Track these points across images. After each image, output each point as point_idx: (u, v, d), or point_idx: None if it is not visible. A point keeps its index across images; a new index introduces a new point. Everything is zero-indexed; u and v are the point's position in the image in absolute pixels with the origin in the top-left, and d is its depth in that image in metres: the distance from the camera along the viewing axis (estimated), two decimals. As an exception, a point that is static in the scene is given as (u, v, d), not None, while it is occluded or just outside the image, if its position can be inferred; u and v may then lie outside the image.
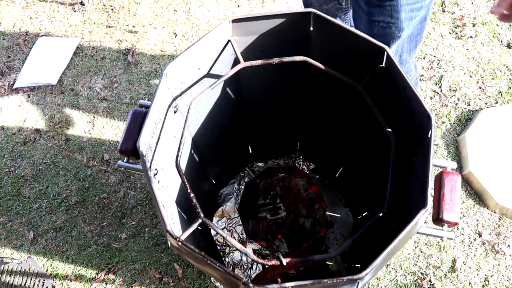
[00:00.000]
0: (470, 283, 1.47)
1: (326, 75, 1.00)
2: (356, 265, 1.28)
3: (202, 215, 0.84)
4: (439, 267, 1.50)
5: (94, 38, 2.09)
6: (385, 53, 0.92)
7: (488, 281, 1.47)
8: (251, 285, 0.70)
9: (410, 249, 1.53)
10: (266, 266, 1.43)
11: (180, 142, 0.93)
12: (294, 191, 1.54)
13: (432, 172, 0.80)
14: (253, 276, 1.46)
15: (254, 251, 1.46)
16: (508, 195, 1.54)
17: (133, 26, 2.11)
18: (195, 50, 0.98)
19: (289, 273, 1.38)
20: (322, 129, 1.37)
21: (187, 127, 0.97)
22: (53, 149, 1.82)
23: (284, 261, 0.83)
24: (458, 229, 1.56)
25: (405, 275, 1.50)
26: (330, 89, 1.16)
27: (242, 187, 1.59)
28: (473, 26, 1.98)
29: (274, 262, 0.85)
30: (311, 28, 1.01)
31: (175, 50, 2.02)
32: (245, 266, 1.48)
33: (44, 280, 1.55)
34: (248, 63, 1.00)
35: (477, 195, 1.60)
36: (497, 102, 1.78)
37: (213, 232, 1.53)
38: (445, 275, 1.48)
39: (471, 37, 1.95)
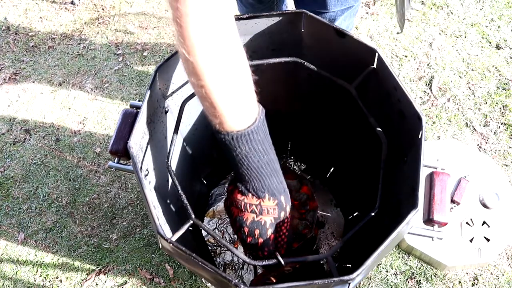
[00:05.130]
0: (459, 281, 1.48)
1: (317, 75, 1.00)
2: (347, 265, 1.29)
3: (193, 216, 0.84)
4: (429, 266, 1.51)
5: (85, 38, 2.08)
6: (376, 54, 0.93)
7: (478, 280, 1.48)
8: (242, 286, 0.70)
9: (400, 248, 1.54)
10: (257, 266, 1.43)
11: (171, 142, 0.93)
12: (285, 191, 1.54)
13: (423, 173, 0.81)
14: (244, 276, 1.46)
15: (245, 251, 1.46)
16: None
17: (124, 26, 2.10)
18: (187, 51, 0.97)
19: (285, 270, 1.39)
20: (314, 129, 1.37)
21: (178, 127, 0.96)
22: (43, 150, 1.80)
23: (283, 261, 0.84)
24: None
25: (395, 275, 1.50)
26: (322, 90, 1.16)
27: (234, 187, 1.59)
28: (463, 27, 2.00)
29: (265, 262, 0.85)
30: (303, 29, 1.01)
31: (166, 51, 2.02)
32: (236, 267, 1.48)
33: None
34: (240, 64, 0.99)
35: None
36: (486, 103, 1.79)
37: (204, 233, 1.53)
38: (435, 274, 1.49)
39: (460, 38, 1.97)
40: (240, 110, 0.75)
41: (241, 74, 0.73)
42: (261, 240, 0.88)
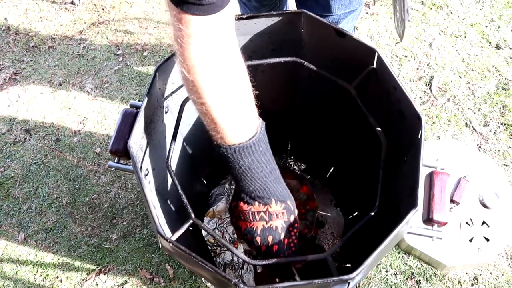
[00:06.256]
0: (459, 281, 1.48)
1: (317, 75, 1.00)
2: (347, 265, 1.29)
3: (193, 215, 0.84)
4: (429, 265, 1.51)
5: (85, 38, 2.08)
6: (376, 54, 0.93)
7: (477, 280, 1.49)
8: (241, 285, 0.70)
9: (400, 248, 1.54)
10: (258, 266, 1.43)
11: (171, 142, 0.93)
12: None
13: (422, 173, 0.81)
14: (244, 276, 1.46)
15: (245, 251, 1.46)
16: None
17: (124, 26, 2.10)
18: (186, 51, 0.97)
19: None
20: (313, 129, 1.37)
21: (178, 127, 0.97)
22: (43, 150, 1.81)
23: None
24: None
25: (395, 274, 1.51)
26: (321, 90, 1.16)
27: (233, 187, 1.59)
28: (463, 27, 2.00)
29: (265, 262, 0.85)
30: (303, 29, 1.02)
31: (166, 51, 2.02)
32: (236, 266, 1.48)
33: None
34: (240, 64, 0.99)
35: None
36: (486, 103, 1.80)
37: (204, 233, 1.53)
38: (435, 274, 1.49)
39: (460, 38, 1.97)
40: (241, 125, 0.75)
41: (241, 91, 0.73)
42: (276, 247, 0.85)
